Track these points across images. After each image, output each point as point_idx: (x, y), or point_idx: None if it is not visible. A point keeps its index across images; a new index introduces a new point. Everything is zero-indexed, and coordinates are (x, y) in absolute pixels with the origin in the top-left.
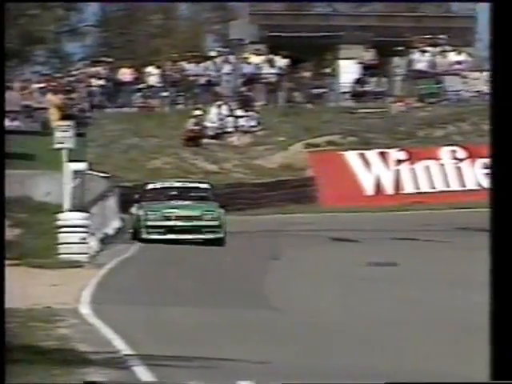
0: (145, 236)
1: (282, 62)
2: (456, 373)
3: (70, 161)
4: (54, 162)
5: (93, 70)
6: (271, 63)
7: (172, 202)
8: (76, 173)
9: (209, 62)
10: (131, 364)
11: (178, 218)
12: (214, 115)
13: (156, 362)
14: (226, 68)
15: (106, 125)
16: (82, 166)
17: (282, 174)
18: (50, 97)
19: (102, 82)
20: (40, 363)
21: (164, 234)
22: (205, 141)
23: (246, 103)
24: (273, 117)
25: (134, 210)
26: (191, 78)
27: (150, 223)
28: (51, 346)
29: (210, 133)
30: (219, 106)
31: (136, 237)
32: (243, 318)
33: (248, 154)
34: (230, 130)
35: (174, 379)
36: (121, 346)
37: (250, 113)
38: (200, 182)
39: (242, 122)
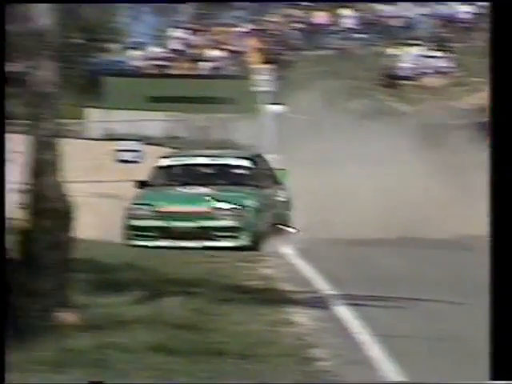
0: (129, 241)
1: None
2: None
3: (270, 104)
4: (254, 106)
5: (291, 13)
6: (470, 3)
7: (178, 188)
8: (275, 115)
9: (406, 4)
10: (333, 303)
11: (176, 215)
12: (410, 56)
13: (357, 301)
14: (424, 9)
15: (303, 67)
16: (280, 108)
17: (478, 116)
18: (250, 41)
19: (299, 25)
20: (247, 303)
21: (155, 239)
22: (401, 82)
23: (442, 44)
24: (470, 58)
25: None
26: (388, 20)
27: (135, 223)
28: (257, 285)
29: (406, 74)
30: (416, 47)
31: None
32: None
33: (444, 95)
34: (426, 71)
35: (374, 319)
36: (322, 286)
37: (446, 54)
38: (239, 157)
39: (438, 63)
